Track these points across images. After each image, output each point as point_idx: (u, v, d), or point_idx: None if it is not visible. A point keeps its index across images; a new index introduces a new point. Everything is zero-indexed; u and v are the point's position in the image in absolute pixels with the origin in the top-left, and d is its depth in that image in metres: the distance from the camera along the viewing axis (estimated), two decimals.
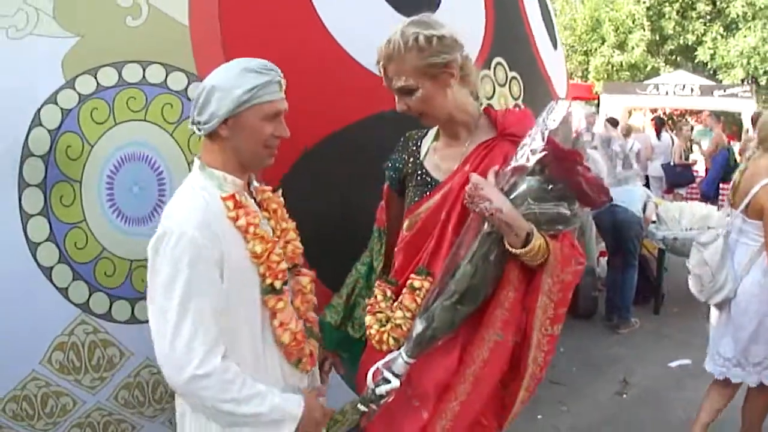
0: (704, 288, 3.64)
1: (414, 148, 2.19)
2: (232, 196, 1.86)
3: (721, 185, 10.93)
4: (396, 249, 2.17)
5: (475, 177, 1.88)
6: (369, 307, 2.12)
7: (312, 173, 2.46)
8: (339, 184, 2.52)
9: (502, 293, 1.94)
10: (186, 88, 2.32)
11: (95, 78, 2.24)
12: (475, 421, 2.00)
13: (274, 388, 1.88)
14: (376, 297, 2.12)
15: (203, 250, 1.75)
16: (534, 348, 1.98)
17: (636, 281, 6.31)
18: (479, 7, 3.12)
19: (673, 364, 5.35)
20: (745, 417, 3.82)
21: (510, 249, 1.86)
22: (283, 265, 1.94)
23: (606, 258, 6.63)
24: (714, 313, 3.81)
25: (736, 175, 3.63)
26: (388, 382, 1.93)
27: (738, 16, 17.98)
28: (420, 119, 2.04)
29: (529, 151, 1.82)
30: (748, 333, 3.52)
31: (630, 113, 16.00)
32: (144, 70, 2.28)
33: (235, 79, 1.82)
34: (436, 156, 2.12)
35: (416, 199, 2.10)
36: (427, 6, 2.77)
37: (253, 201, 1.96)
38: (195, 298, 1.74)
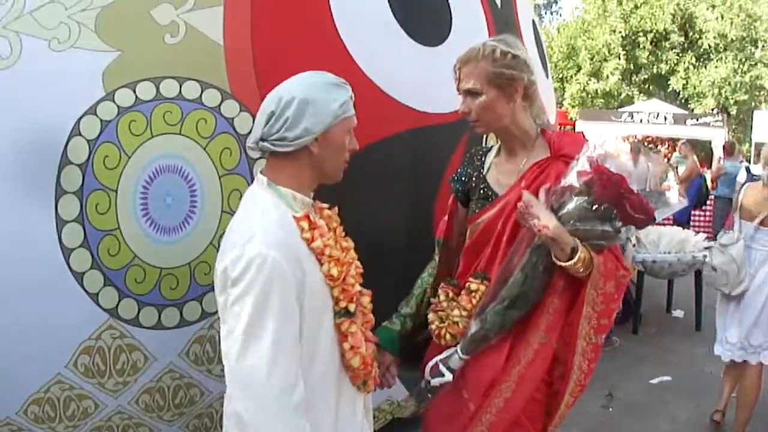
0: (729, 282, 4.20)
1: (478, 163, 2.34)
2: (306, 216, 1.78)
3: (692, 212, 11.20)
4: (461, 255, 2.32)
5: (526, 195, 2.04)
6: (432, 306, 2.27)
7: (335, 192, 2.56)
8: (357, 203, 2.62)
9: (548, 300, 2.11)
10: (219, 105, 2.42)
11: (134, 92, 2.33)
12: (516, 420, 2.14)
13: None
14: (439, 297, 2.26)
15: (288, 274, 1.65)
16: (579, 355, 2.12)
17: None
18: (484, 37, 3.27)
19: (654, 381, 5.51)
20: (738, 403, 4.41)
21: (556, 261, 2.02)
22: (357, 288, 1.91)
23: None
24: (722, 307, 4.43)
25: (752, 194, 4.28)
26: (443, 375, 2.11)
27: (710, 47, 18.47)
28: (474, 126, 2.19)
29: (577, 173, 1.97)
30: (751, 320, 4.19)
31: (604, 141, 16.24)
32: (180, 86, 2.37)
33: (327, 93, 1.76)
34: (497, 171, 2.28)
35: (476, 210, 2.26)
36: (437, 37, 2.93)
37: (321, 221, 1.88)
38: (286, 326, 1.65)
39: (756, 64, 18.19)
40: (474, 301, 2.17)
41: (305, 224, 1.77)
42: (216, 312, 2.45)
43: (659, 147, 16.83)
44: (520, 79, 2.11)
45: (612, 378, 5.47)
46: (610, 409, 4.93)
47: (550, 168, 2.16)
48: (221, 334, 1.71)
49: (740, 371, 4.39)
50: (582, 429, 4.52)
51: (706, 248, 6.75)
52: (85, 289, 2.35)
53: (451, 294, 2.24)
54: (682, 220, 10.48)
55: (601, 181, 1.96)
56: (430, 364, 2.17)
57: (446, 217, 2.44)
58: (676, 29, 19.06)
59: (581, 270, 2.02)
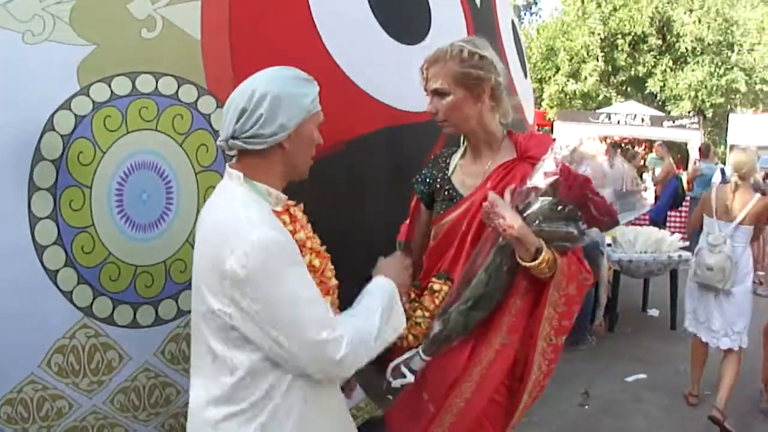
0: (725, 278, 4.67)
1: (443, 164, 2.35)
2: (287, 210, 1.82)
3: (668, 213, 11.31)
4: (425, 256, 2.33)
5: (491, 195, 2.04)
6: None
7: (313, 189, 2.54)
8: (334, 200, 2.61)
9: (510, 301, 2.12)
10: (196, 101, 2.39)
11: (109, 87, 2.29)
12: (477, 422, 2.13)
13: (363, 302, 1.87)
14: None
15: (290, 246, 1.70)
16: (539, 355, 2.13)
17: (592, 305, 6.54)
18: (463, 36, 3.27)
19: (630, 379, 5.56)
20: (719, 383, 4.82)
21: (520, 262, 2.02)
22: (334, 281, 1.95)
23: None
24: (703, 299, 4.90)
25: (720, 196, 4.85)
26: (405, 376, 2.09)
27: (687, 50, 18.67)
28: (442, 126, 2.21)
29: (542, 174, 1.98)
30: (735, 309, 4.72)
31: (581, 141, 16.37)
32: (157, 82, 2.34)
33: (298, 88, 1.76)
34: (462, 172, 2.29)
35: (441, 211, 2.26)
36: (417, 35, 2.92)
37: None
38: (308, 290, 1.70)
39: (732, 68, 18.39)
40: (437, 302, 2.18)
41: (286, 218, 1.79)
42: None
43: (636, 148, 16.98)
44: (488, 79, 2.13)
45: (588, 376, 5.53)
46: (587, 408, 4.97)
47: (516, 169, 2.18)
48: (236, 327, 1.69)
49: (706, 355, 5.04)
50: (558, 427, 4.55)
51: (682, 248, 6.85)
52: (58, 287, 2.31)
53: (413, 295, 2.24)
54: (658, 220, 10.60)
55: (567, 183, 1.98)
56: (392, 365, 2.15)
57: (408, 220, 2.44)
58: (654, 32, 19.22)
59: (545, 271, 2.03)
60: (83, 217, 2.29)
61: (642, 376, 5.65)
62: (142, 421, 2.57)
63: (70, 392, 2.43)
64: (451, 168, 2.33)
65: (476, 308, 2.08)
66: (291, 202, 1.94)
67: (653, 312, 7.66)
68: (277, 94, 1.71)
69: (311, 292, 1.70)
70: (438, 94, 2.14)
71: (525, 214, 2.02)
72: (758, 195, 4.80)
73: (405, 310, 2.15)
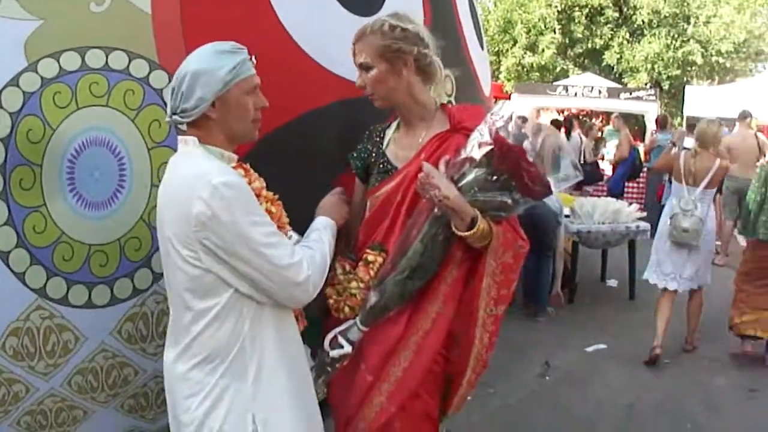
0: (698, 236, 5.39)
1: (377, 138, 2.35)
2: (241, 165, 2.01)
3: (626, 184, 11.47)
4: (360, 228, 2.34)
5: (426, 166, 2.06)
6: (329, 280, 2.24)
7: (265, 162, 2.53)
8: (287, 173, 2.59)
9: (446, 271, 2.17)
10: (147, 76, 2.34)
11: (58, 62, 2.23)
12: (415, 392, 2.18)
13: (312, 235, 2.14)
14: (335, 271, 2.26)
15: (249, 189, 1.91)
16: (479, 327, 2.19)
17: (550, 276, 6.61)
18: (418, 8, 3.25)
19: (590, 349, 5.65)
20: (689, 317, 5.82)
21: (456, 231, 2.05)
22: (289, 228, 2.14)
23: None
24: (673, 253, 5.56)
25: (686, 163, 5.54)
26: (342, 347, 2.12)
27: (643, 23, 18.82)
28: (372, 100, 2.23)
29: (477, 144, 2.00)
30: (702, 258, 5.59)
31: (539, 113, 16.56)
32: (107, 56, 2.29)
33: (216, 61, 1.90)
34: (396, 146, 2.29)
35: (376, 183, 2.28)
36: (371, 7, 2.89)
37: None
38: (269, 224, 1.91)
39: (688, 40, 18.60)
40: (372, 273, 2.20)
41: (241, 171, 1.98)
42: (148, 288, 2.43)
43: (593, 120, 17.14)
44: (409, 52, 2.16)
45: (548, 347, 5.61)
46: (547, 378, 5.05)
47: (450, 140, 2.21)
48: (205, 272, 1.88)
49: (672, 308, 5.67)
50: (519, 398, 4.62)
51: (640, 219, 6.96)
52: (11, 269, 2.25)
53: (348, 267, 2.26)
54: (616, 191, 10.75)
55: (501, 153, 2.00)
56: (329, 336, 2.19)
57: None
58: (610, 4, 19.35)
59: (481, 240, 2.08)
60: (34, 196, 2.24)
61: (602, 346, 5.75)
62: (100, 402, 2.53)
63: (27, 375, 2.38)
64: (385, 141, 2.36)
65: (412, 278, 2.12)
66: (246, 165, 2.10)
67: (612, 282, 7.78)
68: (194, 70, 1.88)
69: (272, 227, 1.92)
70: (364, 68, 2.17)
71: (460, 185, 2.06)
72: (718, 160, 5.51)
73: (339, 282, 2.23)
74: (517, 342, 5.65)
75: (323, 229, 2.15)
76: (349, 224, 2.39)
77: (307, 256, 1.96)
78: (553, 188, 2.09)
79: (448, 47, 3.43)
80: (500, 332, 5.78)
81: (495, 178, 2.06)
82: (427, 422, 2.24)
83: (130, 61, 2.32)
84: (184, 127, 2.00)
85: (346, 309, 2.20)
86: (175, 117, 1.94)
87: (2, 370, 2.34)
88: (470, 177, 2.07)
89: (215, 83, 1.88)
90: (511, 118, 2.06)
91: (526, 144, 2.09)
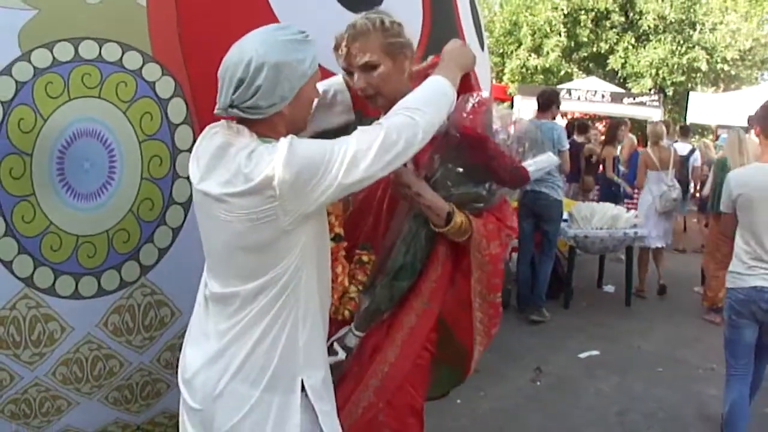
0: (675, 209, 7.84)
1: None
2: None
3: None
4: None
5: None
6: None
7: None
8: None
9: (430, 267, 2.17)
10: (141, 68, 2.33)
11: (51, 52, 2.23)
12: (401, 387, 2.18)
13: None
14: (335, 271, 2.21)
15: None
16: (477, 311, 2.22)
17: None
18: (417, 8, 3.24)
19: (583, 355, 5.63)
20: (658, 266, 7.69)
21: (434, 228, 2.07)
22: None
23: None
24: (655, 218, 7.53)
25: (654, 156, 7.67)
26: (337, 354, 2.11)
27: (649, 28, 18.73)
28: (372, 101, 2.15)
29: (444, 137, 2.00)
30: (669, 223, 7.86)
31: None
32: (100, 48, 2.28)
33: (295, 52, 1.71)
34: None
35: None
36: (369, 5, 2.88)
37: None
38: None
39: (694, 46, 18.52)
40: (368, 273, 2.20)
41: None
42: (135, 281, 2.43)
43: (597, 124, 17.11)
44: (409, 46, 2.15)
45: (541, 352, 5.59)
46: (538, 384, 5.02)
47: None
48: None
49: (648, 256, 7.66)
50: (510, 403, 4.60)
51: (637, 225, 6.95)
52: None
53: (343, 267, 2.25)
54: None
55: (469, 144, 1.99)
56: (326, 345, 2.13)
57: None
58: (617, 9, 19.28)
59: (460, 234, 2.08)
60: (24, 185, 2.24)
61: (595, 352, 5.72)
62: (85, 393, 2.53)
63: (11, 364, 2.39)
64: None
65: (399, 279, 2.12)
66: None
67: (608, 288, 7.76)
68: (275, 63, 1.66)
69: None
70: (368, 68, 2.09)
71: (432, 181, 2.06)
72: (673, 149, 7.88)
73: (341, 283, 2.19)
74: (510, 346, 5.64)
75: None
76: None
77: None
78: (530, 175, 2.09)
79: None
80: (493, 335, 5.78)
81: (467, 170, 2.07)
82: (412, 415, 2.24)
83: (123, 53, 2.31)
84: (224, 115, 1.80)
85: (346, 313, 2.20)
86: (234, 110, 1.71)
87: None
88: (442, 172, 2.08)
89: (297, 78, 1.71)
90: (477, 107, 2.04)
91: (499, 131, 2.08)
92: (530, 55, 19.59)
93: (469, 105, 2.02)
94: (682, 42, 18.58)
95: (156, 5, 2.36)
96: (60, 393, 2.50)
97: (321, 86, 2.17)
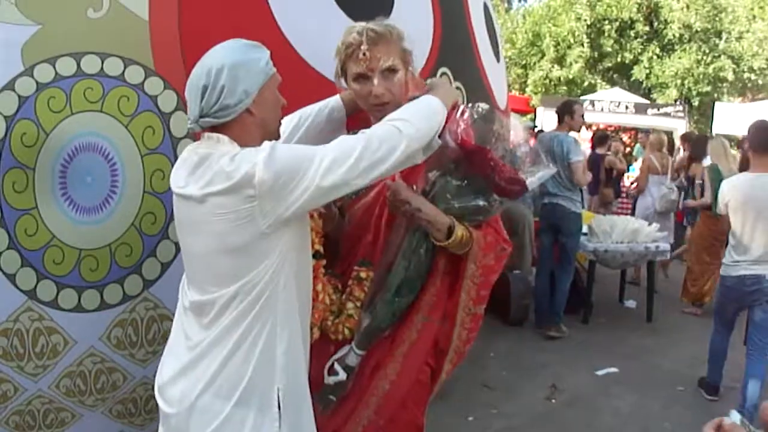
0: (673, 209, 8.34)
1: None
2: None
3: None
4: (341, 241, 2.29)
5: (392, 185, 2.05)
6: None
7: None
8: None
9: (430, 281, 2.14)
10: (143, 82, 2.35)
11: (54, 67, 2.25)
12: (401, 403, 2.14)
13: None
14: (327, 291, 2.19)
15: None
16: (458, 326, 2.17)
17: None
18: (428, 18, 3.23)
19: (600, 372, 5.52)
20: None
21: (435, 243, 2.04)
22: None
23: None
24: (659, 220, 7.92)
25: (656, 162, 8.62)
26: (338, 374, 2.06)
27: (674, 37, 18.51)
28: (382, 111, 2.08)
29: (443, 151, 1.97)
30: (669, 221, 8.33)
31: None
32: (102, 62, 2.30)
33: (251, 53, 1.77)
34: None
35: (353, 197, 2.20)
36: (379, 14, 2.87)
37: None
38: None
39: (719, 56, 18.31)
40: (366, 290, 2.16)
41: None
42: (138, 295, 2.43)
43: (622, 136, 16.96)
44: (411, 53, 2.13)
45: (557, 369, 5.48)
46: (553, 401, 4.92)
47: None
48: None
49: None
50: (523, 420, 4.52)
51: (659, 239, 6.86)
52: (1, 270, 2.28)
53: (339, 286, 2.21)
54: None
55: (468, 157, 1.97)
56: (328, 364, 2.13)
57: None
58: (641, 18, 19.09)
59: (461, 247, 2.06)
60: (26, 199, 2.26)
61: (613, 369, 5.60)
62: (89, 406, 2.54)
63: (16, 376, 2.40)
64: None
65: (400, 295, 2.09)
66: None
67: (630, 303, 7.60)
68: (233, 63, 1.71)
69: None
70: (390, 72, 2.06)
71: (432, 195, 2.03)
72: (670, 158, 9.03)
73: (334, 302, 2.16)
74: (526, 362, 5.56)
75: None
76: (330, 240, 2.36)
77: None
78: (528, 185, 2.06)
79: (459, 57, 3.43)
80: (509, 351, 5.67)
81: (466, 182, 2.04)
82: None
83: (125, 68, 2.33)
84: (197, 129, 1.82)
85: (346, 331, 2.16)
86: (205, 119, 1.74)
87: None
88: (441, 185, 2.05)
89: (257, 74, 1.74)
90: (473, 116, 2.02)
91: (497, 142, 2.05)
92: (553, 66, 19.45)
93: (465, 116, 1.99)
94: (707, 51, 18.34)
95: (158, 19, 2.37)
96: (64, 405, 2.51)
97: (319, 105, 2.17)
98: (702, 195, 7.01)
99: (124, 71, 2.33)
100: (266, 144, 1.69)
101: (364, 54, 2.04)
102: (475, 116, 2.01)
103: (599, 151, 9.63)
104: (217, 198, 1.68)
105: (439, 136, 1.94)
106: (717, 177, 6.39)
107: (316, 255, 2.04)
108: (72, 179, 2.29)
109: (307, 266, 1.92)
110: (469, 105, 2.03)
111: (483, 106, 2.05)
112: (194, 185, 1.72)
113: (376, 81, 2.06)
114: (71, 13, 2.30)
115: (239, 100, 1.72)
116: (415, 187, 2.08)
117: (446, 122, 1.97)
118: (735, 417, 1.20)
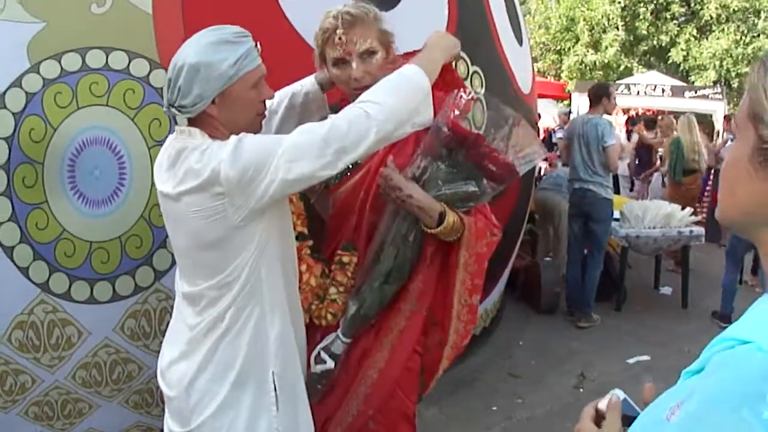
0: None
1: None
2: None
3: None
4: (326, 225, 2.27)
5: (385, 170, 2.00)
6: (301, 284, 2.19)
7: None
8: None
9: (418, 268, 2.09)
10: (148, 75, 2.37)
11: (59, 63, 2.28)
12: (391, 392, 2.12)
13: None
14: (314, 272, 2.17)
15: None
16: (455, 319, 2.13)
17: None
18: (442, 3, 3.20)
19: (631, 360, 5.43)
20: None
21: (426, 229, 2.00)
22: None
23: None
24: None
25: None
26: (325, 362, 2.04)
27: (711, 18, 18.11)
28: (358, 92, 2.01)
29: (435, 136, 1.94)
30: None
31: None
32: (107, 57, 2.32)
33: (215, 53, 1.67)
34: None
35: (336, 181, 2.18)
36: (388, 3, 2.85)
37: None
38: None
39: (758, 35, 17.85)
40: (349, 274, 2.13)
41: None
42: (150, 286, 2.45)
43: (660, 118, 16.68)
44: (392, 35, 2.08)
45: (587, 357, 5.38)
46: (581, 390, 4.85)
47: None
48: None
49: None
50: (549, 410, 4.45)
51: (695, 223, 6.72)
52: (15, 264, 2.32)
53: (324, 270, 2.19)
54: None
55: (460, 142, 1.93)
56: (314, 353, 2.10)
57: None
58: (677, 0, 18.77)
59: (452, 234, 2.02)
60: (36, 193, 2.29)
61: (645, 357, 5.49)
62: (105, 396, 2.58)
63: (33, 367, 2.45)
64: None
65: (388, 282, 2.05)
66: None
67: (666, 290, 7.42)
68: (193, 63, 1.65)
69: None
70: (368, 54, 2.02)
71: (423, 181, 2.00)
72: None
73: (319, 286, 2.14)
74: (555, 350, 5.48)
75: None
76: (318, 222, 2.33)
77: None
78: (518, 170, 2.02)
79: (476, 42, 3.39)
80: (537, 340, 5.57)
81: (458, 168, 2.01)
82: (404, 421, 2.19)
83: (130, 61, 2.35)
84: (184, 120, 1.81)
85: (329, 316, 2.13)
86: (171, 110, 1.73)
87: (9, 360, 2.41)
88: (432, 171, 2.01)
89: (215, 80, 1.66)
90: (468, 102, 1.98)
91: (490, 127, 2.01)
92: (588, 51, 19.17)
93: (461, 101, 1.96)
94: (746, 31, 17.92)
95: (162, 12, 2.39)
96: (81, 396, 2.55)
97: (294, 86, 2.14)
98: None
99: (129, 64, 2.35)
100: (232, 138, 1.65)
101: (340, 38, 2.01)
102: (467, 102, 1.97)
103: (649, 135, 9.61)
104: (188, 196, 1.67)
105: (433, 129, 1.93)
106: (676, 149, 7.86)
107: (299, 237, 2.03)
108: (80, 173, 2.32)
109: (291, 249, 1.92)
110: (465, 91, 1.99)
111: (477, 91, 2.02)
112: (170, 183, 1.72)
113: (354, 64, 2.02)
114: (75, 9, 2.33)
115: (193, 102, 1.68)
116: (406, 173, 2.04)
117: (443, 106, 1.94)
118: (620, 393, 1.16)
